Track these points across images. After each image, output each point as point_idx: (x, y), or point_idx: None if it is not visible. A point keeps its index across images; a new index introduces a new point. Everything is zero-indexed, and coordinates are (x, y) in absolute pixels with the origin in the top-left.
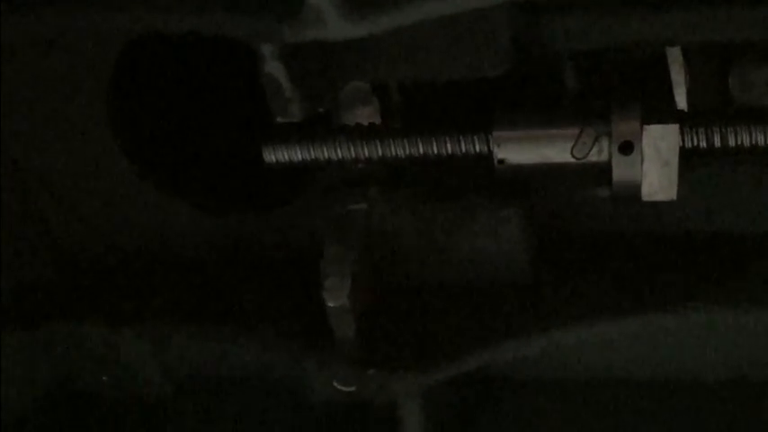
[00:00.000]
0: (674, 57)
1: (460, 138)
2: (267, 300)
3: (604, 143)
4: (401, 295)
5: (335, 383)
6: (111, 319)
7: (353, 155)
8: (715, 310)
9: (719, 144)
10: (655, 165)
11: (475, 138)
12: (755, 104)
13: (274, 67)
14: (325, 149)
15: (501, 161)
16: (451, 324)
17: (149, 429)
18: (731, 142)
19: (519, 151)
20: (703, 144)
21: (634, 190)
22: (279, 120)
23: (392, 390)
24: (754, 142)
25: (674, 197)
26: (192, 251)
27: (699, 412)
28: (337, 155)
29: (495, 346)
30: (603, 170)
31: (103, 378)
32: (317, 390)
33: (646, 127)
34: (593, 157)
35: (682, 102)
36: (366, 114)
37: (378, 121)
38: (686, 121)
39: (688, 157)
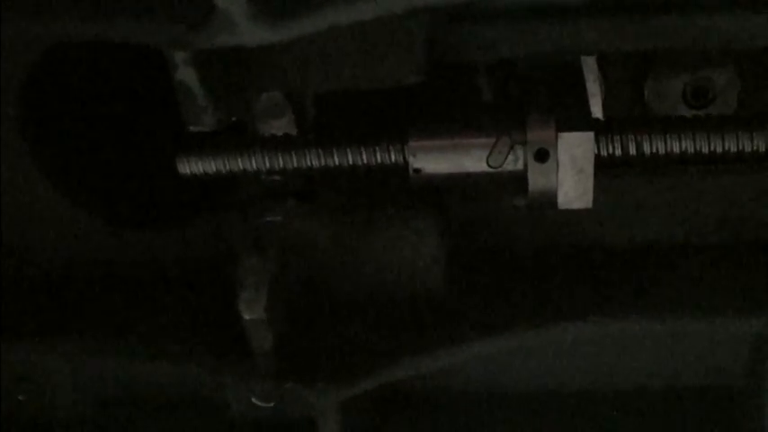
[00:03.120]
0: (590, 66)
1: (376, 148)
2: (185, 314)
3: (520, 152)
4: (319, 307)
5: (254, 399)
6: (26, 337)
7: (268, 166)
8: (630, 320)
9: (635, 152)
10: (570, 173)
11: (390, 147)
12: (670, 114)
13: (187, 75)
14: (239, 160)
15: (416, 170)
16: (369, 336)
17: None
18: (646, 150)
19: (434, 161)
20: (618, 152)
21: (550, 198)
22: (192, 128)
23: (310, 403)
24: (668, 150)
25: (590, 205)
26: (109, 265)
27: (614, 422)
28: (252, 166)
29: (411, 358)
30: (520, 179)
31: (19, 397)
32: (236, 405)
33: (561, 135)
34: (509, 165)
35: (597, 111)
36: (281, 125)
37: (293, 132)
38: (601, 128)
39: (604, 166)
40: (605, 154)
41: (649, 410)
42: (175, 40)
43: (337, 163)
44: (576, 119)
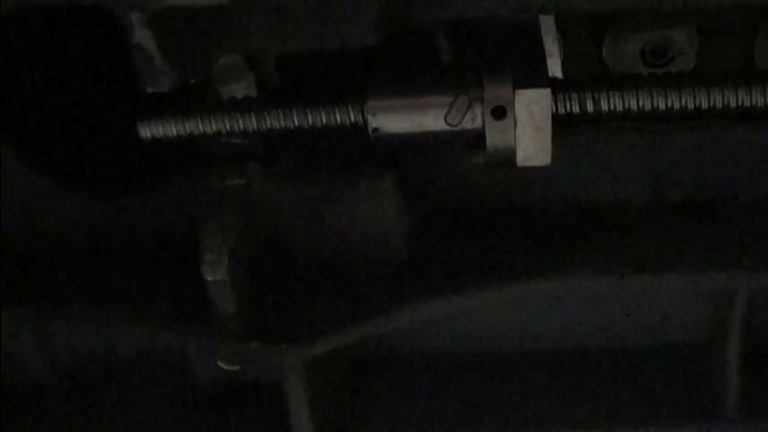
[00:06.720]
0: (548, 25)
1: (335, 107)
2: (148, 278)
3: (478, 110)
4: (282, 269)
5: (219, 362)
6: None
7: (228, 127)
8: (590, 278)
9: (592, 110)
10: (528, 130)
11: (349, 107)
12: (629, 73)
13: (143, 36)
14: (200, 122)
15: (375, 130)
16: (333, 297)
17: (33, 416)
18: (604, 108)
19: (393, 120)
20: (576, 109)
21: (508, 156)
22: (149, 90)
23: (275, 364)
24: (626, 107)
25: (549, 162)
26: (70, 231)
27: (580, 381)
28: (212, 128)
29: (374, 319)
30: (478, 137)
31: None
32: (202, 369)
33: (518, 91)
34: (467, 124)
35: (556, 71)
36: (241, 88)
37: (254, 94)
38: (559, 85)
39: (562, 124)
40: (563, 111)
41: (612, 369)
42: (129, 0)
43: (297, 124)
44: (533, 76)
